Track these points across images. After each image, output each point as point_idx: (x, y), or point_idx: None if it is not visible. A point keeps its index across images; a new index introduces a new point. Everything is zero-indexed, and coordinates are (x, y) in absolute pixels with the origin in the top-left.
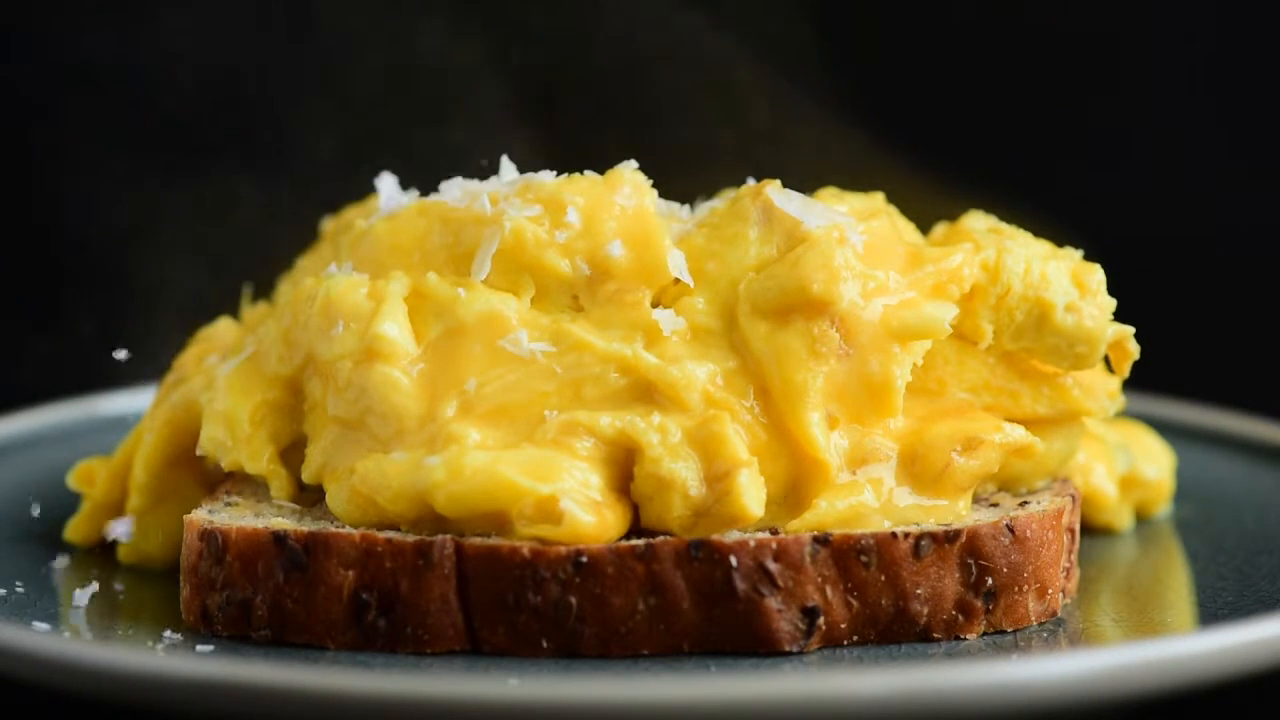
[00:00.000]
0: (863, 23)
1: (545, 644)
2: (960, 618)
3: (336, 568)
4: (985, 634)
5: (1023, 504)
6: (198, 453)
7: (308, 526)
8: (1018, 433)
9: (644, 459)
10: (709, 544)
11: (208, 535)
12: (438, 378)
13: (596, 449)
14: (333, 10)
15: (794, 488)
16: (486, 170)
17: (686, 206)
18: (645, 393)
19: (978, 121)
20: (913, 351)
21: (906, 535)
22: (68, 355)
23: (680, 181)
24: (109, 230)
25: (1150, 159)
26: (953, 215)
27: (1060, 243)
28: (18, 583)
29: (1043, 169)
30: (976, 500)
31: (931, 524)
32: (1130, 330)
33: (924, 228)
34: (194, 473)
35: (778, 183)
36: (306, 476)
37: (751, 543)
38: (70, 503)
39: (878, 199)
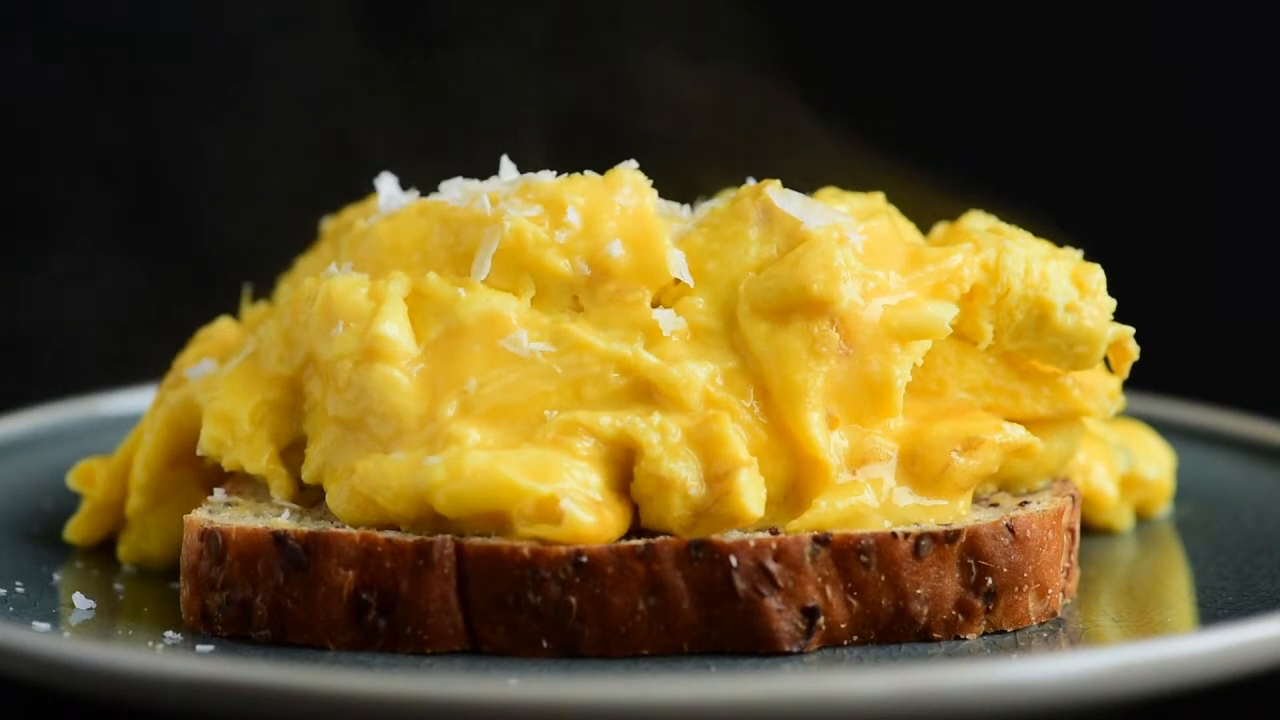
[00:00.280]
0: (863, 23)
1: (545, 644)
2: (960, 618)
3: (336, 568)
4: (985, 634)
5: (1023, 504)
6: (198, 453)
7: (308, 526)
8: (1018, 433)
9: (644, 459)
10: (709, 544)
11: (208, 535)
12: (438, 378)
13: (596, 449)
14: (333, 10)
15: (794, 488)
16: (486, 170)
17: (686, 206)
18: (645, 393)
19: (978, 121)
20: (913, 351)
21: (906, 535)
22: (68, 355)
23: (680, 182)
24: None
25: (1150, 159)
26: (953, 215)
27: (1060, 243)
28: (18, 583)
29: (1043, 169)
30: (976, 500)
31: (931, 524)
32: (1130, 330)
33: (924, 228)
34: (194, 473)
35: (778, 183)
36: (306, 476)
37: (751, 543)
38: (70, 503)
39: (878, 199)
